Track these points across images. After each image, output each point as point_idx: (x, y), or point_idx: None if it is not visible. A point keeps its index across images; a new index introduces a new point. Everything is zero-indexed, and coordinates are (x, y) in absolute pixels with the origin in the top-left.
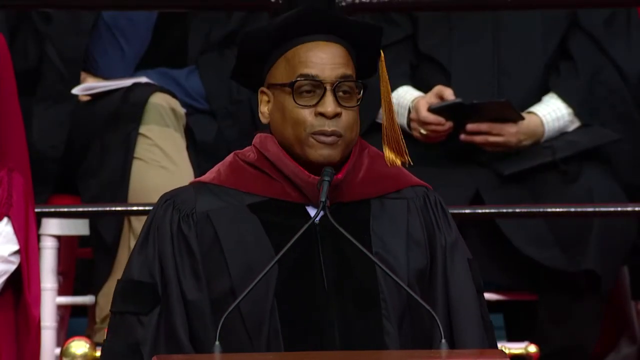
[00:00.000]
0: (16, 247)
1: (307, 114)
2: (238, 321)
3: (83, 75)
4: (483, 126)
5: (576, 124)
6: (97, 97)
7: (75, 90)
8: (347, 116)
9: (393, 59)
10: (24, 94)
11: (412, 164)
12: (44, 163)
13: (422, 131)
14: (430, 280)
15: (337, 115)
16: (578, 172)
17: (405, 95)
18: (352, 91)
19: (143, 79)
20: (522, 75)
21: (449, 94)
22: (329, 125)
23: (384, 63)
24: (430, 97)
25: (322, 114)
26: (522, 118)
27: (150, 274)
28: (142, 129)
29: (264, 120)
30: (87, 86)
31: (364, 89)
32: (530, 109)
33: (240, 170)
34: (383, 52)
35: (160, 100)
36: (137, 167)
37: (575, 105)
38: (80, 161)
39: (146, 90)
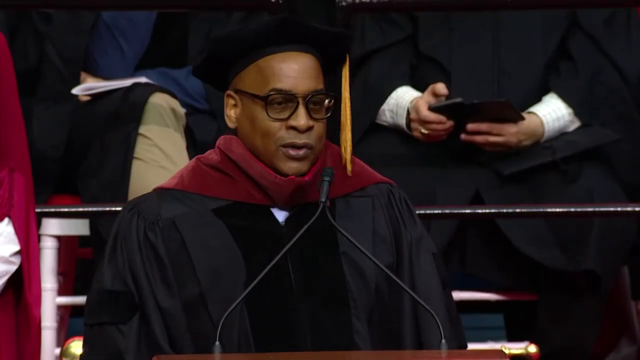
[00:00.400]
0: (17, 247)
1: (278, 127)
2: (209, 326)
3: (83, 75)
4: (483, 126)
5: (576, 124)
6: (97, 97)
7: (75, 90)
8: (318, 128)
9: (393, 59)
10: (24, 94)
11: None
12: (44, 163)
13: (423, 130)
14: (397, 276)
15: (309, 128)
16: (578, 172)
17: (404, 96)
18: (322, 102)
19: (143, 79)
20: (522, 75)
21: (440, 87)
22: (300, 138)
23: (347, 69)
24: (427, 97)
25: (294, 128)
26: (522, 118)
27: (123, 283)
28: (142, 129)
29: (230, 124)
30: (87, 86)
31: (333, 100)
32: (530, 109)
33: (203, 174)
34: (383, 53)
35: (160, 100)
36: (137, 167)
37: (575, 105)
38: (80, 161)
39: (146, 90)
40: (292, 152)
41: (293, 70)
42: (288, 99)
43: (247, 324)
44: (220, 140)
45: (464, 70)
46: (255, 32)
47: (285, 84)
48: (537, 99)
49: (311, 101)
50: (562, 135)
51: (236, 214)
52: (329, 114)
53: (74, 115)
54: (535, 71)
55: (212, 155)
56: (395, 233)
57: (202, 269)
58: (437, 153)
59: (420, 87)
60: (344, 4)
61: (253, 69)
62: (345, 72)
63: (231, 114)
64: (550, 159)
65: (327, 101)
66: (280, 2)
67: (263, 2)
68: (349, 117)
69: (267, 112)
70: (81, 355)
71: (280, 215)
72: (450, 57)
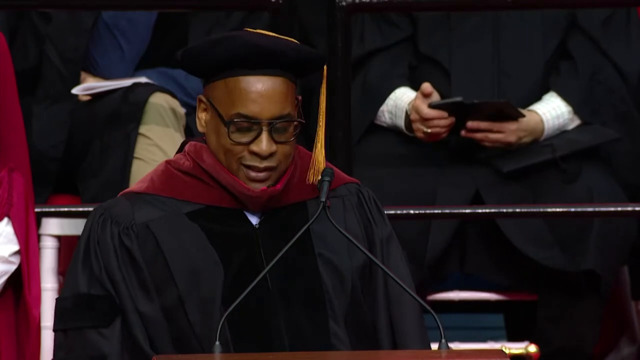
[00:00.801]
0: (16, 247)
1: (240, 149)
2: (188, 330)
3: (83, 75)
4: (483, 124)
5: (576, 122)
6: (97, 97)
7: (75, 90)
8: (283, 149)
9: (392, 60)
10: (24, 94)
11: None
12: (44, 163)
13: (425, 129)
14: (370, 275)
15: (271, 154)
16: (578, 172)
17: (402, 97)
18: (288, 125)
19: (143, 79)
20: (522, 75)
21: (425, 87)
22: (261, 163)
23: (325, 77)
24: (419, 101)
25: (256, 153)
26: (523, 116)
27: (102, 287)
28: (142, 129)
29: (200, 128)
30: (87, 86)
31: (300, 125)
32: (530, 107)
33: (174, 178)
34: (382, 54)
35: (160, 100)
36: (137, 166)
37: (574, 103)
38: (80, 161)
39: (146, 90)
40: (252, 173)
41: (259, 94)
42: (251, 125)
43: (225, 326)
44: (190, 147)
45: (463, 70)
46: (224, 54)
47: (249, 109)
48: (537, 99)
49: (275, 127)
50: (562, 134)
51: (210, 217)
52: (293, 138)
53: (74, 115)
54: (535, 71)
55: (182, 160)
56: (367, 232)
57: (179, 273)
58: (436, 153)
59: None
60: (344, 4)
61: (222, 85)
62: (324, 82)
63: (202, 117)
64: (550, 157)
65: (294, 125)
66: (281, 2)
67: (263, 2)
68: (323, 128)
69: (229, 137)
70: None
71: (254, 218)
72: (450, 57)
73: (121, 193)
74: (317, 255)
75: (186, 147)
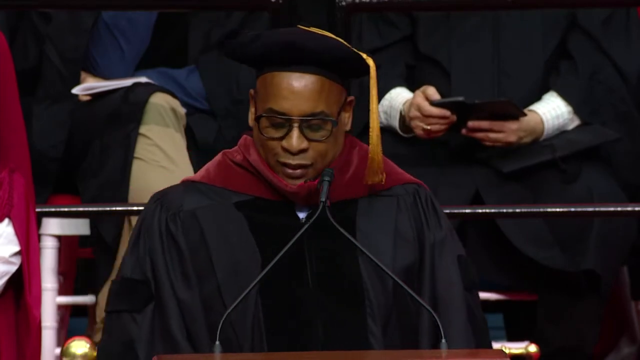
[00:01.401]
0: (17, 248)
1: (274, 144)
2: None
3: (83, 75)
4: (484, 123)
5: (576, 122)
6: (97, 97)
7: (75, 90)
8: (316, 147)
9: (389, 60)
10: (23, 94)
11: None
12: (44, 163)
13: (425, 126)
14: (418, 278)
15: (302, 151)
16: (578, 172)
17: (397, 98)
18: (322, 123)
19: (143, 79)
20: (522, 74)
21: (432, 92)
22: (293, 159)
23: (374, 80)
24: (420, 99)
25: (287, 150)
26: (524, 114)
27: (142, 272)
28: (142, 129)
29: (250, 122)
30: (87, 86)
31: (333, 125)
32: (530, 107)
33: (228, 169)
34: (380, 53)
35: (160, 100)
36: (137, 167)
37: (574, 103)
38: (80, 161)
39: (146, 90)
40: (288, 170)
41: (290, 91)
42: (283, 121)
43: (260, 317)
44: (242, 141)
45: (463, 70)
46: (260, 50)
47: (280, 105)
48: (537, 98)
49: (307, 124)
50: (562, 134)
51: (257, 208)
52: (330, 134)
53: (74, 115)
54: (535, 71)
55: (236, 153)
56: (419, 234)
57: (219, 262)
58: (436, 153)
59: (420, 87)
60: (344, 4)
61: (261, 80)
62: (372, 83)
63: (252, 111)
64: (550, 157)
65: (330, 124)
66: (281, 2)
67: (263, 2)
68: (376, 130)
69: (260, 132)
70: (99, 342)
71: (302, 213)
72: (450, 56)
73: (181, 180)
74: (360, 253)
75: (240, 140)
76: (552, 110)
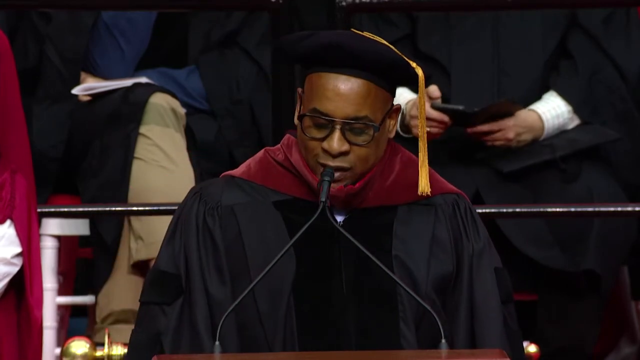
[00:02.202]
0: (19, 249)
1: (315, 145)
2: (255, 318)
3: (83, 75)
4: (484, 127)
5: (576, 121)
6: (98, 97)
7: (75, 90)
8: (357, 151)
9: None
10: (24, 94)
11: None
12: (44, 163)
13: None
14: (455, 288)
15: (342, 153)
16: (578, 172)
17: (399, 98)
18: (365, 128)
19: (143, 79)
20: (522, 74)
21: (433, 90)
22: (333, 162)
23: (423, 89)
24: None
25: (327, 151)
26: (520, 107)
27: (175, 266)
28: (142, 129)
29: (295, 120)
30: (87, 86)
31: (374, 130)
32: (530, 107)
33: (269, 167)
34: None
35: (160, 100)
36: (137, 167)
37: (574, 103)
38: (80, 161)
39: (146, 91)
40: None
41: (335, 93)
42: (326, 122)
43: (293, 319)
44: (285, 140)
45: (463, 70)
46: (307, 49)
47: (324, 106)
48: (537, 98)
49: (350, 127)
50: (562, 134)
51: (296, 209)
52: (371, 141)
53: (74, 115)
54: (535, 70)
55: (278, 151)
56: (457, 244)
57: (254, 260)
58: (436, 153)
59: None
60: (344, 4)
61: (308, 80)
62: (420, 96)
63: (297, 109)
64: (550, 157)
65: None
66: (281, 2)
67: (263, 2)
68: (424, 137)
69: (303, 132)
70: (132, 331)
71: (340, 216)
72: (450, 56)
73: (222, 174)
74: (394, 256)
75: (283, 139)
76: (551, 110)
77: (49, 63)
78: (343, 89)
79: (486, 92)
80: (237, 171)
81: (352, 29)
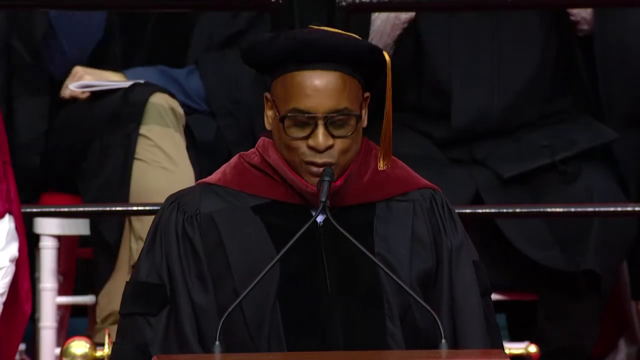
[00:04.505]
0: (18, 244)
1: (299, 144)
2: (240, 322)
3: (77, 69)
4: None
5: None
6: (97, 97)
7: (72, 86)
8: (341, 144)
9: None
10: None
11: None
12: (27, 157)
13: None
14: (435, 283)
15: (328, 147)
16: (577, 172)
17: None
18: (347, 119)
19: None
20: (522, 73)
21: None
22: (320, 157)
23: (389, 73)
24: None
25: (313, 147)
26: None
27: (158, 276)
28: (143, 130)
29: (267, 125)
30: (84, 83)
31: (357, 119)
32: None
33: (244, 171)
34: None
35: (160, 100)
36: (137, 167)
37: None
38: (80, 161)
39: (146, 91)
40: (313, 169)
41: (314, 90)
42: (307, 119)
43: (279, 321)
44: (260, 143)
45: (464, 70)
46: (278, 51)
47: (304, 104)
48: (537, 98)
49: (332, 120)
50: (561, 134)
51: (275, 212)
52: (353, 132)
53: (73, 114)
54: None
55: (253, 155)
56: (436, 239)
57: (237, 266)
58: (436, 153)
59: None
60: (344, 4)
61: (280, 82)
62: (388, 77)
63: (269, 114)
64: (549, 161)
65: (354, 119)
66: (281, 2)
67: (263, 2)
68: (389, 124)
69: (285, 132)
70: (113, 343)
71: (319, 216)
72: (450, 55)
73: (197, 182)
74: (377, 254)
75: (257, 143)
76: None
77: (17, 53)
78: (320, 84)
79: (486, 93)
80: (212, 178)
81: (311, 26)
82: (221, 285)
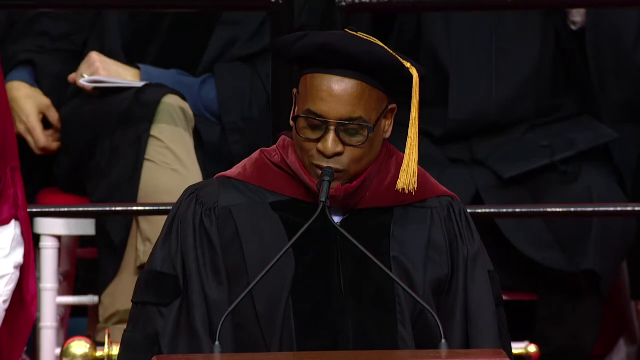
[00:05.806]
0: (23, 249)
1: (310, 146)
2: (252, 318)
3: (93, 56)
4: None
5: None
6: (107, 94)
7: (83, 81)
8: (351, 152)
9: None
10: None
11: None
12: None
13: None
14: (450, 291)
15: (337, 154)
16: (577, 172)
17: None
18: (360, 129)
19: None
20: (521, 65)
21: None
22: (327, 162)
23: (416, 90)
24: None
25: (321, 152)
26: None
27: (172, 267)
28: (154, 131)
29: (291, 122)
30: (96, 79)
31: (369, 131)
32: None
33: (265, 168)
34: None
35: (171, 102)
36: (147, 168)
37: None
38: (88, 160)
39: (158, 92)
40: (319, 172)
41: (329, 94)
42: (319, 122)
43: (291, 319)
44: (280, 141)
45: (463, 70)
46: (300, 51)
47: (318, 107)
48: (537, 98)
49: (345, 128)
50: (561, 134)
51: (293, 210)
52: (366, 142)
53: (83, 112)
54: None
55: (274, 152)
56: (452, 247)
57: (252, 261)
58: (436, 153)
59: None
60: (344, 4)
61: (303, 81)
62: (415, 94)
63: (293, 110)
64: (549, 161)
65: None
66: (280, 2)
67: (263, 2)
68: (415, 137)
69: (297, 133)
70: (124, 331)
71: (337, 217)
72: (450, 55)
73: (216, 175)
74: (392, 258)
75: (278, 141)
76: None
77: None
78: (336, 90)
79: (485, 92)
80: (232, 172)
81: (346, 29)
82: (235, 279)
